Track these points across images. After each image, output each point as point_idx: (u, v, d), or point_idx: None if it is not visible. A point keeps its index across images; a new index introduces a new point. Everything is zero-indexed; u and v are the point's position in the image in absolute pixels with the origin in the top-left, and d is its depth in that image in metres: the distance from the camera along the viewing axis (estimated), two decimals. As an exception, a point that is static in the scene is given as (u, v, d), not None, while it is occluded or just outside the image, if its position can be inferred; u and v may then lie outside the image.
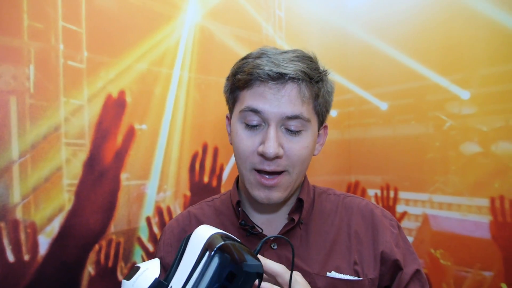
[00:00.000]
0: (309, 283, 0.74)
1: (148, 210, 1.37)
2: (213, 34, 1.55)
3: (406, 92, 1.81)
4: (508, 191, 1.52)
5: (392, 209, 1.88)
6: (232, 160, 1.57)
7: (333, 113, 2.04)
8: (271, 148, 0.68)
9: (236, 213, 0.81)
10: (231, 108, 0.79)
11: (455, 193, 1.67)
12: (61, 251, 1.16)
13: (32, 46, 1.12)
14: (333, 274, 0.76)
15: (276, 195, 0.73)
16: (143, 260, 1.35)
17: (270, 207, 0.81)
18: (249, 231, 0.78)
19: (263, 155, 0.70)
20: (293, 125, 0.71)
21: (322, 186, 0.91)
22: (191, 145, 1.49)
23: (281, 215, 0.81)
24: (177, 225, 0.87)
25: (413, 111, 1.80)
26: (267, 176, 0.72)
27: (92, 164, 1.23)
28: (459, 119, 1.65)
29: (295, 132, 0.72)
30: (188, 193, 1.48)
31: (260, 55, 0.73)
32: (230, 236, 0.55)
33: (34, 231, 1.11)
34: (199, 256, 0.51)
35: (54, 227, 1.15)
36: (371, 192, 1.97)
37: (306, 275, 0.75)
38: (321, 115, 0.78)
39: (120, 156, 1.30)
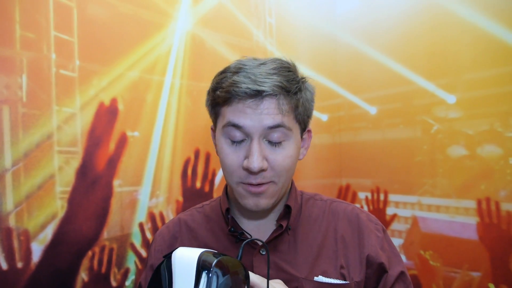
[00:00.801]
0: (297, 287, 0.77)
1: (141, 216, 1.38)
2: (204, 41, 1.57)
3: (394, 96, 1.85)
4: (494, 193, 1.56)
5: (382, 212, 1.91)
6: (224, 165, 1.59)
7: (323, 117, 2.07)
8: (254, 163, 0.70)
9: (226, 220, 0.83)
10: (214, 122, 0.81)
11: (443, 195, 1.70)
12: (54, 258, 1.17)
13: (25, 55, 1.13)
14: (320, 278, 0.78)
15: (264, 202, 0.75)
16: (136, 266, 1.36)
17: (259, 214, 0.83)
18: (238, 238, 0.80)
19: (248, 169, 0.72)
20: (275, 135, 0.72)
21: (311, 191, 0.93)
22: (183, 151, 1.51)
23: (270, 221, 0.83)
24: (168, 232, 0.89)
25: (401, 115, 1.84)
26: (254, 184, 0.74)
27: (84, 172, 1.24)
28: (445, 123, 1.68)
29: (278, 144, 0.73)
30: (181, 199, 1.49)
31: (238, 70, 0.73)
32: (215, 251, 0.57)
33: (27, 238, 1.12)
34: (195, 278, 0.53)
35: (47, 234, 1.16)
36: (361, 195, 2.00)
37: (294, 279, 0.77)
38: (303, 122, 0.79)
39: (113, 163, 1.31)
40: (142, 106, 1.40)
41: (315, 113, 2.01)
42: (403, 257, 1.82)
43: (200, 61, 1.53)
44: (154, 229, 1.41)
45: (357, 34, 1.97)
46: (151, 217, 1.41)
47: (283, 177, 0.75)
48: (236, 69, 0.74)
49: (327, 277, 0.78)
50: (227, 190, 0.87)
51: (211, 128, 0.85)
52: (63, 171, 1.20)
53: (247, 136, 0.73)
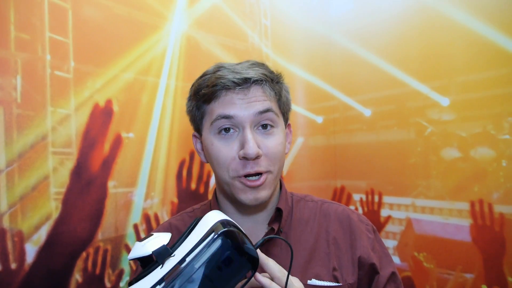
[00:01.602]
0: None
1: (136, 217, 1.39)
2: (199, 43, 1.57)
3: (388, 98, 1.86)
4: (487, 195, 1.57)
5: (377, 214, 1.92)
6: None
7: (318, 119, 2.08)
8: (251, 149, 0.72)
9: (216, 223, 0.83)
10: (199, 125, 0.82)
11: (436, 197, 1.71)
12: (49, 259, 1.17)
13: (19, 56, 1.14)
14: (313, 281, 0.78)
15: (263, 194, 0.76)
16: (131, 267, 1.36)
17: (250, 218, 0.83)
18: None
19: (245, 157, 0.73)
20: (266, 119, 0.75)
21: (306, 193, 0.94)
22: (178, 153, 1.51)
23: (261, 224, 0.84)
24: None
25: (395, 117, 1.85)
26: (252, 178, 0.75)
27: (79, 173, 1.24)
28: (439, 125, 1.70)
29: (269, 129, 0.76)
30: (176, 200, 1.50)
31: (218, 68, 0.77)
32: (237, 226, 0.58)
33: (21, 239, 1.12)
34: (204, 235, 0.54)
35: (41, 235, 1.16)
36: (356, 197, 2.01)
37: (286, 283, 0.78)
38: (285, 113, 0.83)
39: (107, 164, 1.31)
40: (137, 107, 1.40)
41: (310, 115, 2.03)
42: (397, 259, 1.83)
43: (195, 62, 1.54)
44: (149, 230, 1.41)
45: (351, 36, 1.99)
46: (146, 218, 1.41)
47: (276, 165, 0.77)
48: (216, 68, 0.77)
49: (320, 280, 0.79)
50: (216, 195, 0.87)
51: (194, 136, 0.86)
52: (57, 172, 1.20)
53: (238, 126, 0.74)
